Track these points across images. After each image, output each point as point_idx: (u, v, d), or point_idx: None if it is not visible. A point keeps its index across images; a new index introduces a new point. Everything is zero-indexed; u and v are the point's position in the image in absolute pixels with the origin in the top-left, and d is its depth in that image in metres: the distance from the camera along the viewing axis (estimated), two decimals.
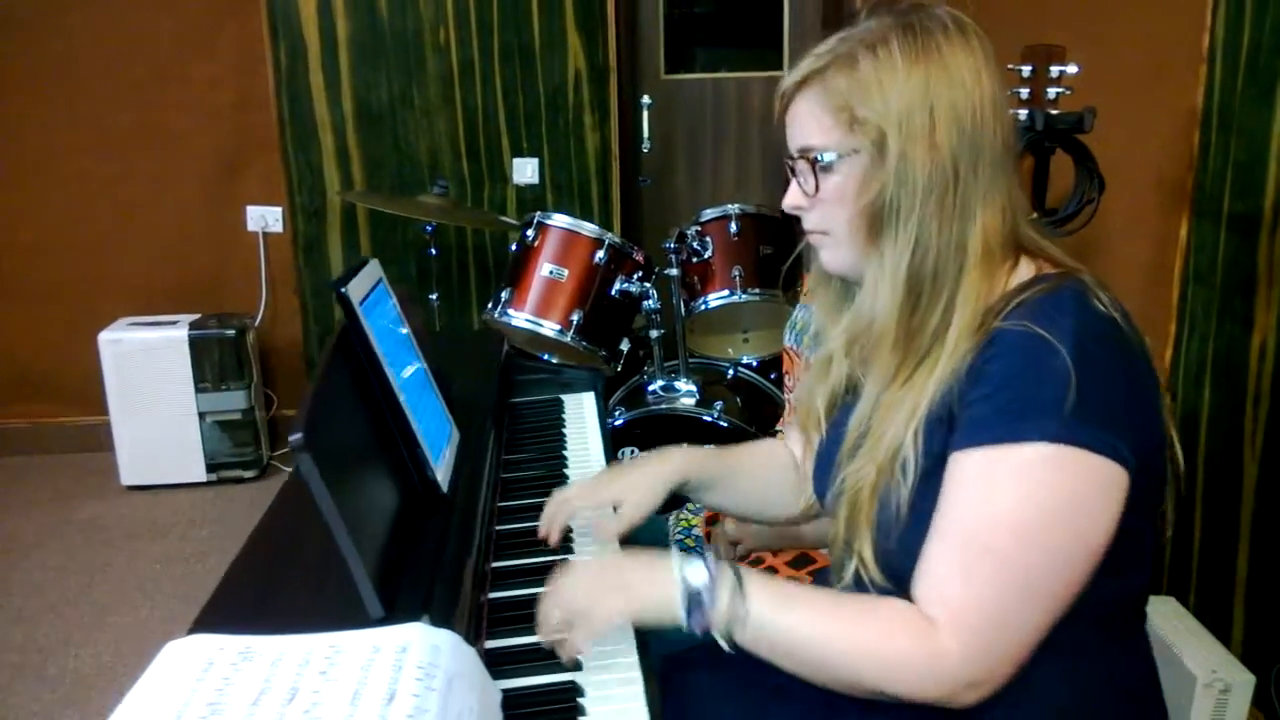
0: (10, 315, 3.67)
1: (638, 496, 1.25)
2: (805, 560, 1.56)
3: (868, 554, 1.02)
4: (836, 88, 1.02)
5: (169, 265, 3.68)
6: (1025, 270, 1.03)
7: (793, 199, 1.10)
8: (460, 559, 1.12)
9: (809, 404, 1.22)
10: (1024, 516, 0.91)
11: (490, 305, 2.70)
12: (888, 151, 0.99)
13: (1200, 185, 2.13)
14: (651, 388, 2.55)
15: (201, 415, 3.47)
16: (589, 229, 2.57)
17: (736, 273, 2.48)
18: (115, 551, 3.11)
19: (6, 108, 3.51)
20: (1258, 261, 1.98)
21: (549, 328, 2.52)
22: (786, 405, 1.79)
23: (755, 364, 2.79)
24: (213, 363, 3.46)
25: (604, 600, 1.02)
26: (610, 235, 2.56)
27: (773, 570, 1.56)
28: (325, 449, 0.95)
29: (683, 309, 2.52)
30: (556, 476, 1.59)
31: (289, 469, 3.68)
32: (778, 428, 1.83)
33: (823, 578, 1.49)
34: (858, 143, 1.01)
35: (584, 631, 1.01)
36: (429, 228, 2.99)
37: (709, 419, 2.39)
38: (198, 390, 3.45)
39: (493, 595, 1.23)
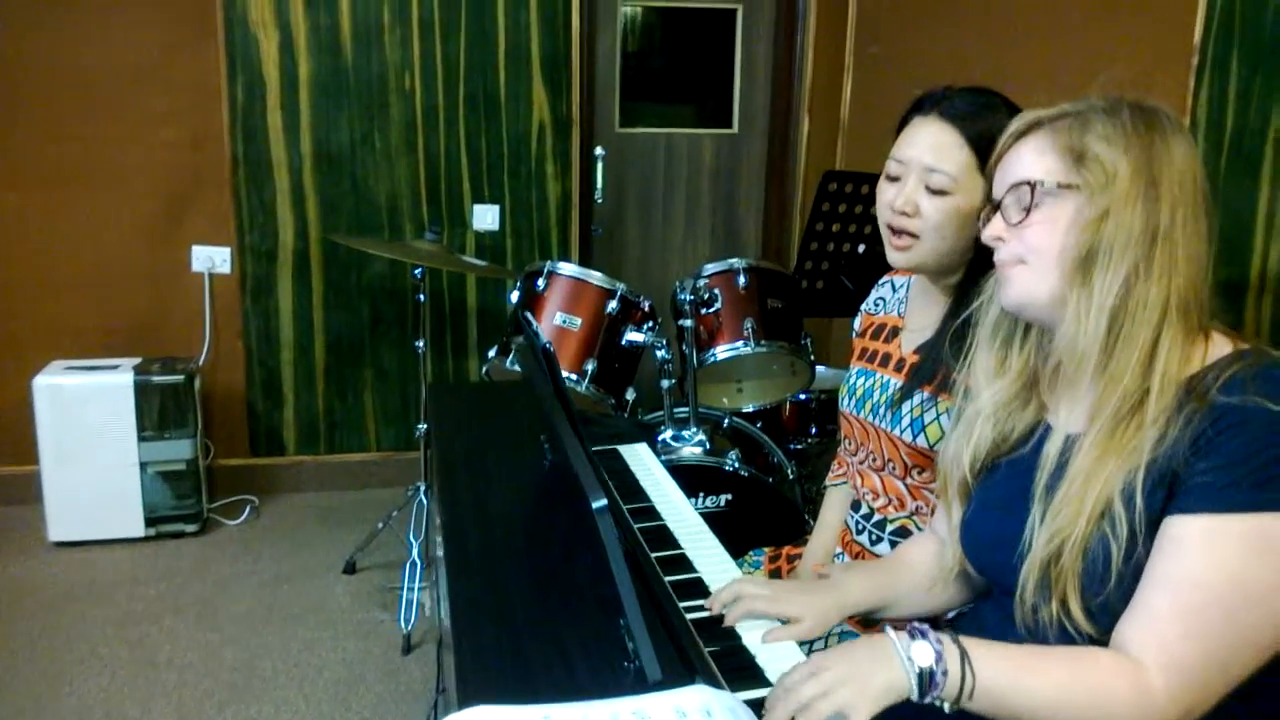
0: None
1: (816, 621, 1.31)
2: None
3: (1074, 605, 1.09)
4: (1069, 133, 1.13)
5: (103, 306, 3.45)
6: (1222, 344, 1.12)
7: (994, 229, 1.19)
8: (680, 616, 1.12)
9: (953, 467, 1.29)
10: (1254, 578, 0.99)
11: (495, 352, 2.67)
12: (1111, 194, 1.09)
13: None
14: (661, 437, 2.56)
15: (143, 465, 3.26)
16: (599, 278, 2.59)
17: (749, 325, 2.54)
18: (56, 614, 2.87)
19: None
20: (1245, 321, 2.18)
21: (562, 375, 2.50)
22: (836, 461, 1.86)
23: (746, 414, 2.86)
24: (156, 410, 3.26)
25: (852, 696, 1.03)
26: (621, 285, 2.58)
27: None
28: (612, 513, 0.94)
29: (694, 360, 2.55)
30: (659, 528, 1.59)
31: (231, 522, 3.50)
32: (828, 482, 1.88)
33: None
34: (1080, 180, 1.11)
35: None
36: (418, 272, 2.93)
37: (729, 469, 2.42)
38: (140, 439, 3.24)
39: None
